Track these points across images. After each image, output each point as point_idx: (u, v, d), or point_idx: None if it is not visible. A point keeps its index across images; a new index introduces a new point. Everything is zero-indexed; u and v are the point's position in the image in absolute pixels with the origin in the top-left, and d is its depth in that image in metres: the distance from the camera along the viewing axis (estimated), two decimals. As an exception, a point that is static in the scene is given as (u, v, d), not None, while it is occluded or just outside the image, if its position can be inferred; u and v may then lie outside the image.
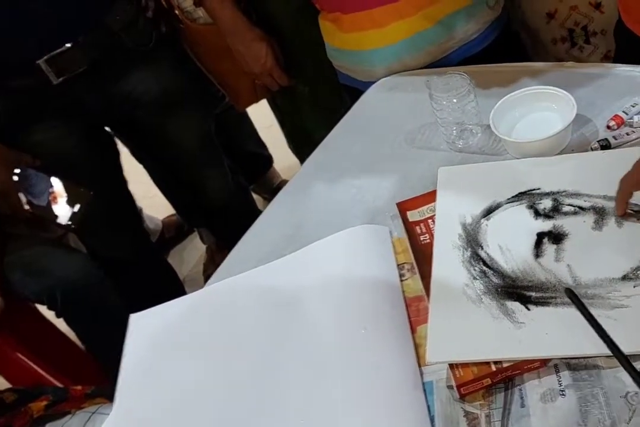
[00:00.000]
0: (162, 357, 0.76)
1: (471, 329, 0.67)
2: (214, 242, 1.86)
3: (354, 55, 1.12)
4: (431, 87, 0.88)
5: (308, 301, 0.76)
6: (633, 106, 0.86)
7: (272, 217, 0.95)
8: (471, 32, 1.08)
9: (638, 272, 0.67)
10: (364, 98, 1.10)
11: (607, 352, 0.61)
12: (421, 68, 1.10)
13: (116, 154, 1.48)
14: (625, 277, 0.67)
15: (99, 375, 1.37)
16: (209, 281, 0.87)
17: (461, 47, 1.09)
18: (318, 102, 1.42)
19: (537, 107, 0.90)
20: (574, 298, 0.61)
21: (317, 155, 1.03)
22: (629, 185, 0.70)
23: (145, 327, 0.81)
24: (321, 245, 0.83)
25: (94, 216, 1.28)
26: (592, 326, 0.60)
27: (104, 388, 1.00)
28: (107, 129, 1.46)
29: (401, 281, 0.77)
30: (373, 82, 1.12)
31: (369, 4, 1.03)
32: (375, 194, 0.90)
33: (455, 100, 0.87)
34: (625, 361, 0.57)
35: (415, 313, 0.73)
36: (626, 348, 0.60)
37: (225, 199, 1.61)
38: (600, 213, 0.74)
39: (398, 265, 0.79)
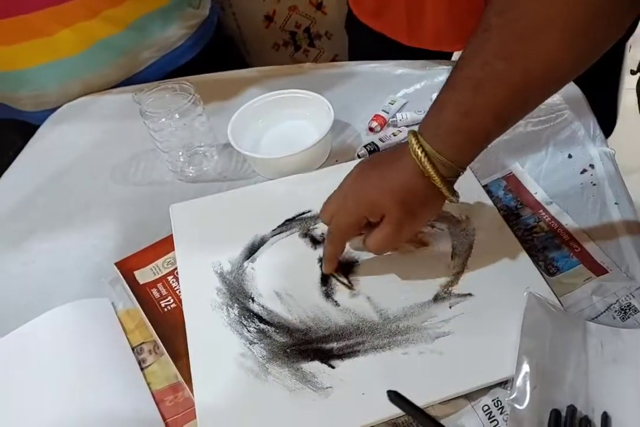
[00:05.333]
0: None
1: (261, 414, 0.60)
2: None
3: (10, 78, 1.03)
4: (142, 102, 0.84)
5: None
6: (391, 104, 0.95)
7: None
8: (174, 38, 1.09)
9: (450, 288, 0.69)
10: (41, 131, 1.02)
11: (442, 397, 0.60)
12: (113, 87, 1.06)
13: None
14: (437, 298, 0.68)
15: None
16: None
17: (163, 58, 1.09)
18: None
19: (285, 116, 0.92)
20: (399, 401, 0.54)
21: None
22: (340, 227, 0.67)
23: None
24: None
25: None
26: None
27: None
28: None
29: (142, 369, 0.67)
30: (51, 111, 1.05)
31: (18, 7, 0.95)
32: (77, 257, 0.81)
33: (177, 116, 0.85)
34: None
35: (172, 410, 0.64)
36: (463, 386, 0.60)
37: None
38: (389, 228, 0.76)
39: (133, 348, 0.69)
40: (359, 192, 0.65)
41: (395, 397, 0.50)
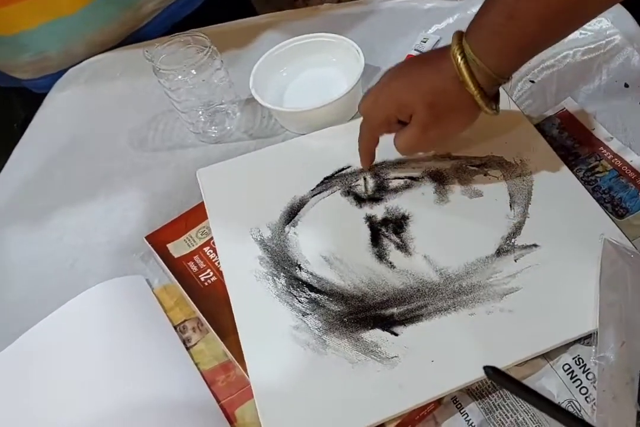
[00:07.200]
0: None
1: (323, 390, 0.57)
2: None
3: (8, 43, 0.97)
4: (154, 59, 0.79)
5: None
6: (424, 42, 0.88)
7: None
8: None
9: (513, 240, 0.64)
10: (49, 99, 0.97)
11: (518, 359, 0.56)
12: (117, 45, 1.01)
13: None
14: (500, 252, 0.63)
15: None
16: None
17: (167, 9, 1.03)
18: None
19: (309, 63, 0.86)
20: (498, 378, 0.45)
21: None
22: (370, 122, 0.68)
23: None
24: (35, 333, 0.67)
25: None
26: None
27: None
28: None
29: (187, 349, 0.64)
30: (52, 77, 1.00)
31: None
32: (105, 232, 0.77)
33: (194, 72, 0.79)
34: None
35: (225, 391, 0.61)
36: (540, 345, 0.56)
37: None
38: (438, 179, 0.70)
39: (175, 327, 0.66)
40: (393, 89, 0.65)
41: (493, 373, 0.44)
